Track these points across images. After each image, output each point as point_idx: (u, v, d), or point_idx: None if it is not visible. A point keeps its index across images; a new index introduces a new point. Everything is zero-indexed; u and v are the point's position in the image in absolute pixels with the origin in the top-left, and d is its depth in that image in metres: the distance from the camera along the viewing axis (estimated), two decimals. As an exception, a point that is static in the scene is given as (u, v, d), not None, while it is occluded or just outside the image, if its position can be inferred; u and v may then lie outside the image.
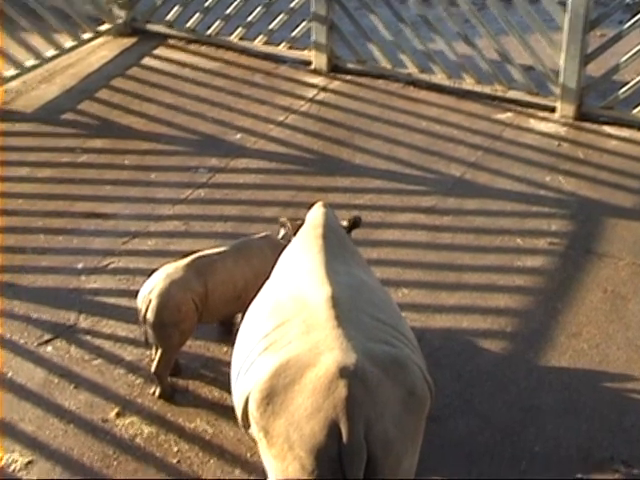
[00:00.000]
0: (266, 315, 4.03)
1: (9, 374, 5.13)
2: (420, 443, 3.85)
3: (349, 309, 3.87)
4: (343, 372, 3.59)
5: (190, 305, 4.85)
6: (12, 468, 4.60)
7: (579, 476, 4.59)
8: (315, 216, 4.48)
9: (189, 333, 4.95)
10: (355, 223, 4.72)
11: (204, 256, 5.04)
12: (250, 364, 3.89)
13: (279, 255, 4.59)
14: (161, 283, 4.86)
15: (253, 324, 4.09)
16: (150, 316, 4.82)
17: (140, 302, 4.90)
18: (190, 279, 4.89)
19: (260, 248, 5.15)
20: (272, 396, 3.67)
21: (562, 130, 7.33)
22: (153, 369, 4.93)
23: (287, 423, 3.61)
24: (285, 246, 4.68)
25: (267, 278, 4.47)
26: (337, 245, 4.31)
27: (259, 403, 3.70)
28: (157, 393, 4.97)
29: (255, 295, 4.37)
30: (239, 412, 3.94)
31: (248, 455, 4.63)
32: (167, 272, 4.92)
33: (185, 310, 4.84)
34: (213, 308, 4.97)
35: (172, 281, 4.86)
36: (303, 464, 3.56)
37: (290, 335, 3.82)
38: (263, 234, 5.30)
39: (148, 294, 4.86)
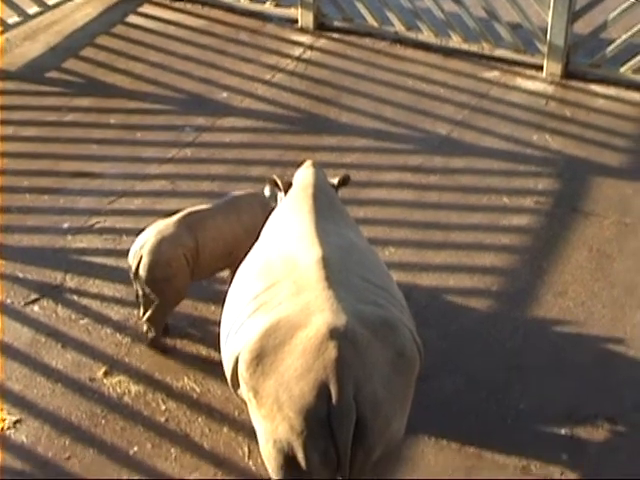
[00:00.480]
0: (256, 276, 4.03)
1: (-4, 334, 5.14)
2: (409, 404, 3.87)
3: (339, 270, 3.87)
4: (333, 333, 3.60)
5: (181, 261, 4.86)
6: (0, 427, 4.62)
7: (563, 432, 4.64)
8: (305, 176, 4.46)
9: (183, 290, 4.96)
10: (344, 181, 4.71)
11: (194, 212, 5.05)
12: (240, 325, 3.90)
13: (268, 214, 4.58)
14: (152, 239, 4.86)
15: (243, 285, 4.09)
16: (142, 272, 4.83)
17: (131, 259, 4.91)
18: (181, 235, 4.90)
19: (250, 204, 5.15)
20: (262, 357, 3.69)
21: (549, 88, 7.31)
22: (146, 317, 4.95)
23: (277, 384, 3.63)
24: (273, 205, 4.68)
25: (257, 235, 4.47)
26: (327, 206, 4.30)
27: (249, 363, 3.72)
28: (148, 340, 5.00)
29: (245, 253, 4.38)
30: (228, 373, 3.95)
31: (236, 413, 4.66)
32: (158, 228, 4.93)
33: (176, 265, 4.85)
34: (204, 264, 4.98)
35: (163, 237, 4.86)
36: (292, 424, 3.58)
37: (280, 296, 3.82)
38: (251, 191, 5.30)
39: (139, 250, 4.87)
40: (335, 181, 4.65)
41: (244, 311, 3.93)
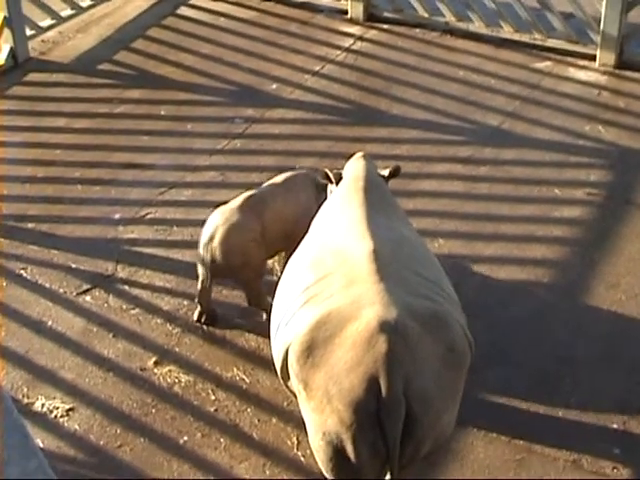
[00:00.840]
0: (307, 268, 4.03)
1: (49, 323, 5.20)
2: (459, 399, 3.85)
3: (390, 263, 3.86)
4: (384, 326, 3.58)
5: (252, 245, 4.92)
6: (54, 414, 4.68)
7: (615, 426, 4.59)
8: (356, 168, 4.44)
9: (262, 264, 5.05)
10: (394, 172, 4.68)
11: (254, 195, 5.08)
12: (291, 316, 3.90)
13: (322, 194, 4.58)
14: (221, 229, 4.90)
15: (294, 277, 4.09)
16: (217, 263, 4.89)
17: (202, 250, 4.94)
18: (248, 220, 4.94)
19: (305, 184, 5.17)
20: (312, 348, 3.68)
21: (602, 79, 7.22)
22: (249, 304, 5.05)
23: (327, 376, 3.62)
24: (324, 194, 4.68)
25: (311, 217, 4.47)
26: (378, 199, 4.28)
27: (299, 355, 3.72)
28: (264, 317, 5.02)
29: (303, 235, 4.39)
30: (278, 364, 3.96)
31: (285, 404, 4.68)
32: (224, 217, 4.96)
33: (248, 251, 4.91)
34: (269, 246, 5.03)
35: (232, 225, 4.90)
36: (341, 417, 3.58)
37: (331, 289, 3.82)
38: (303, 171, 5.31)
39: (209, 242, 4.90)
40: (386, 172, 4.64)
41: (295, 303, 3.93)
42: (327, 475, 3.79)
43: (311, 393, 3.70)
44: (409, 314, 3.67)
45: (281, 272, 4.50)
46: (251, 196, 5.07)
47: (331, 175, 4.56)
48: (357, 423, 3.56)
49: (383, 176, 4.60)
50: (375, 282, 3.75)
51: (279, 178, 5.24)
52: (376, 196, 4.28)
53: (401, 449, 3.57)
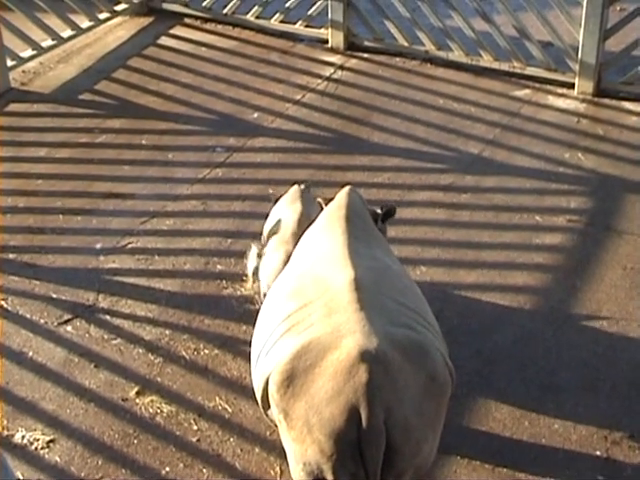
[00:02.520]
0: (287, 297, 4.01)
1: (30, 354, 5.16)
2: (441, 428, 3.84)
3: (371, 292, 3.84)
4: (364, 356, 3.57)
5: None
6: (34, 446, 4.64)
7: (599, 453, 4.59)
8: (339, 197, 4.43)
9: None
10: (388, 212, 4.67)
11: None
12: (271, 346, 3.88)
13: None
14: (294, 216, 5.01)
15: (274, 305, 4.08)
16: None
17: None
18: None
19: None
20: (292, 378, 3.67)
21: (581, 106, 7.28)
22: None
23: (307, 406, 3.61)
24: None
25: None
26: (361, 228, 4.26)
27: (279, 385, 3.70)
28: None
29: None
30: (259, 394, 3.94)
31: (267, 433, 4.65)
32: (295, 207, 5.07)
33: None
34: None
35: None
36: (322, 448, 3.56)
37: (312, 317, 3.80)
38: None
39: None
40: (379, 210, 4.63)
41: (275, 332, 3.91)
42: None
43: (291, 423, 3.68)
44: (390, 343, 3.65)
45: (261, 302, 4.50)
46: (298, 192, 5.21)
47: (323, 204, 4.54)
48: (337, 453, 3.54)
49: (377, 213, 4.59)
50: (355, 311, 3.73)
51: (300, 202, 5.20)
52: (359, 225, 4.27)
53: (382, 479, 3.55)
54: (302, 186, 5.33)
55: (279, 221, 5.02)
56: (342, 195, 4.44)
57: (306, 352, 3.68)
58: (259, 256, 5.07)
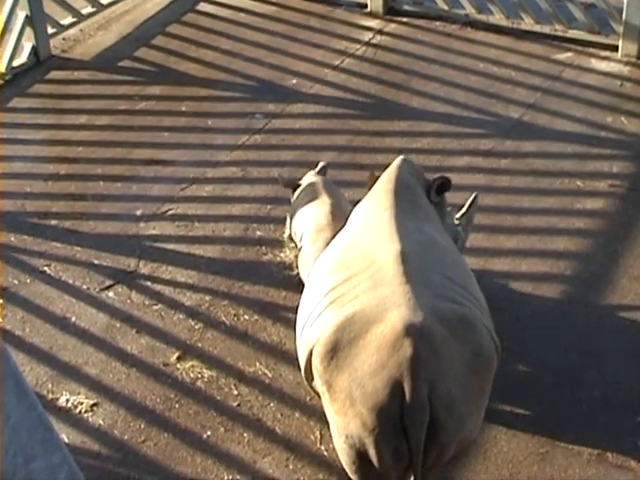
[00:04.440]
0: (334, 269, 4.00)
1: (72, 319, 5.23)
2: (485, 403, 3.82)
3: (418, 266, 3.82)
4: (409, 330, 3.55)
5: None
6: (78, 410, 4.71)
7: (639, 419, 4.57)
8: (390, 171, 4.38)
9: None
10: (443, 185, 4.55)
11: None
12: (316, 317, 3.88)
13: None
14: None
15: (320, 277, 4.06)
16: None
17: None
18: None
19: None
20: (336, 350, 3.66)
21: (625, 69, 7.17)
22: None
23: (350, 379, 3.60)
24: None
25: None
26: (410, 202, 4.22)
27: (323, 356, 3.69)
28: None
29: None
30: (303, 365, 3.94)
31: (307, 399, 4.68)
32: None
33: None
34: None
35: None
36: (364, 421, 3.56)
37: (357, 290, 3.79)
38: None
39: None
40: (432, 180, 4.55)
41: (320, 304, 3.91)
42: (351, 476, 3.79)
43: (334, 395, 3.68)
44: (435, 317, 3.63)
45: (297, 269, 4.47)
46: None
47: (370, 182, 4.50)
48: (380, 427, 3.54)
49: (430, 184, 4.52)
50: (401, 284, 3.71)
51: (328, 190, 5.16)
52: (407, 198, 4.22)
53: (425, 454, 3.55)
54: (318, 169, 5.30)
55: (310, 217, 4.96)
56: (392, 168, 4.39)
57: (350, 324, 3.67)
58: (295, 247, 5.10)
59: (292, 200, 5.22)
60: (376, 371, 3.55)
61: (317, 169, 5.34)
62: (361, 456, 3.64)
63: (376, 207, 4.19)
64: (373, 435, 3.55)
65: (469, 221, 5.02)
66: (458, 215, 4.95)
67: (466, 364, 3.65)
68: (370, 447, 3.59)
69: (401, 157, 4.51)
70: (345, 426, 3.65)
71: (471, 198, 5.00)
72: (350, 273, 3.88)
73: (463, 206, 4.98)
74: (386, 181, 4.31)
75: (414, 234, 4.01)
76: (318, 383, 3.81)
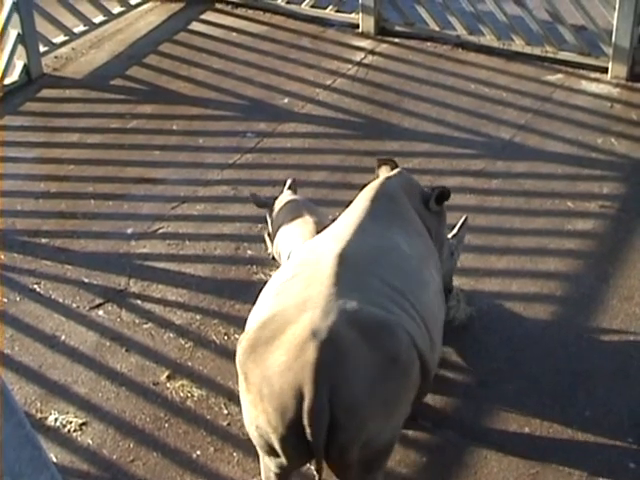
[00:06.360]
0: (290, 268, 4.07)
1: (62, 337, 5.21)
2: (404, 410, 3.84)
3: (357, 269, 3.85)
4: (315, 334, 3.58)
5: None
6: (67, 429, 4.68)
7: (630, 440, 4.56)
8: (376, 181, 4.46)
9: None
10: (441, 194, 4.60)
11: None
12: (256, 310, 4.00)
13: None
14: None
15: (279, 273, 4.17)
16: None
17: None
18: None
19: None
20: (255, 347, 3.72)
21: (614, 91, 7.21)
22: None
23: (262, 376, 3.66)
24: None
25: None
26: (386, 210, 4.25)
27: (244, 350, 3.76)
28: None
29: None
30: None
31: (297, 418, 4.66)
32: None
33: None
34: None
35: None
36: (269, 419, 3.64)
37: (294, 288, 3.85)
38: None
39: None
40: (431, 191, 4.59)
41: (264, 298, 4.01)
42: (261, 454, 3.92)
43: (249, 387, 3.74)
44: (349, 321, 3.64)
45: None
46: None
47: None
48: (282, 427, 3.61)
49: (427, 195, 4.55)
50: (329, 286, 3.74)
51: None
52: (385, 206, 4.26)
53: (326, 452, 3.61)
54: (287, 186, 5.28)
55: (295, 236, 4.91)
56: (382, 178, 4.46)
57: (271, 322, 3.73)
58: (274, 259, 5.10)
59: (269, 220, 5.21)
60: (283, 372, 3.60)
61: (286, 186, 5.32)
62: (268, 445, 3.75)
63: (349, 212, 4.28)
64: (276, 433, 3.64)
65: (459, 242, 5.04)
66: (449, 236, 4.96)
67: (377, 368, 3.66)
68: (274, 442, 3.69)
69: (397, 169, 4.55)
70: (255, 418, 3.73)
71: (462, 220, 5.02)
72: (298, 271, 3.95)
73: (454, 227, 4.99)
74: (368, 189, 4.39)
75: (371, 238, 4.04)
76: (238, 370, 3.84)
